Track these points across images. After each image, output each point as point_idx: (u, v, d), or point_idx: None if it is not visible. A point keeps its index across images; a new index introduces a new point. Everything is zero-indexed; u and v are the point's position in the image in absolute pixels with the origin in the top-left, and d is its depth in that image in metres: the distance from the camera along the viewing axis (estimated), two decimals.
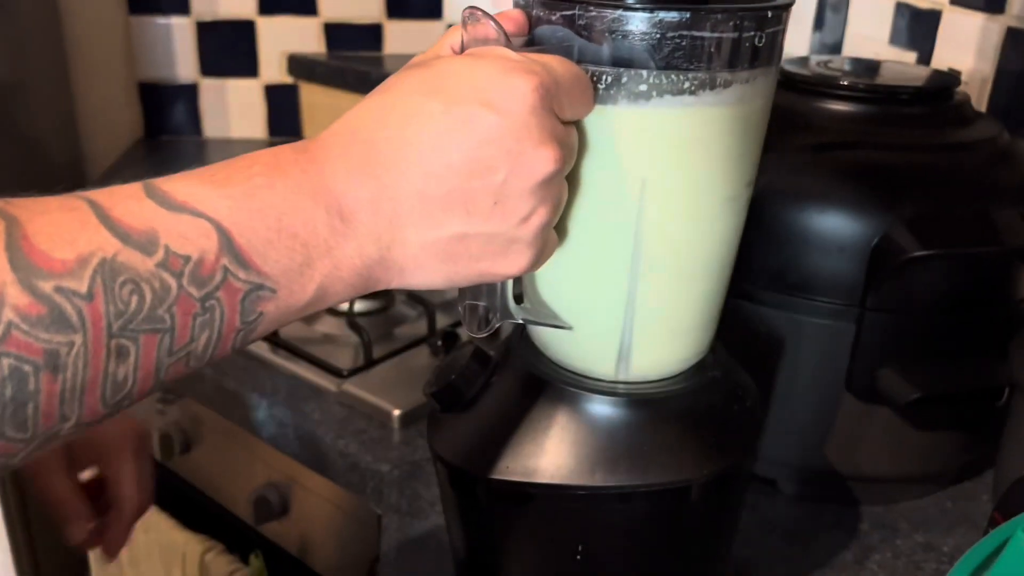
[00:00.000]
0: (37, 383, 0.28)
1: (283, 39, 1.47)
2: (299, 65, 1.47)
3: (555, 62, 0.37)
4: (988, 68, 0.86)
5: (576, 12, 0.38)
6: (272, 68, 1.49)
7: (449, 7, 1.49)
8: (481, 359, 0.49)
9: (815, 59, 0.72)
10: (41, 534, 1.19)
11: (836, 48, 1.14)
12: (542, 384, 0.47)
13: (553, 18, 0.39)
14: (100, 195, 0.31)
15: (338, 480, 0.75)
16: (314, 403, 0.80)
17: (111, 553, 0.68)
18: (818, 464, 0.66)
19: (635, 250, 0.42)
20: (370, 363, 0.84)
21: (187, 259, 0.31)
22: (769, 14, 0.40)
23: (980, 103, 0.86)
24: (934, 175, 0.61)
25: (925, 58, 0.96)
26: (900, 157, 0.61)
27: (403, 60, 0.40)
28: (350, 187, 0.35)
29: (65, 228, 0.30)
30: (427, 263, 0.37)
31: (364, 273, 0.36)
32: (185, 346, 0.32)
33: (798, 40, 1.13)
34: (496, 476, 0.46)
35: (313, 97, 1.49)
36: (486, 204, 0.36)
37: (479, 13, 0.38)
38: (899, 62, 0.87)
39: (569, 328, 0.45)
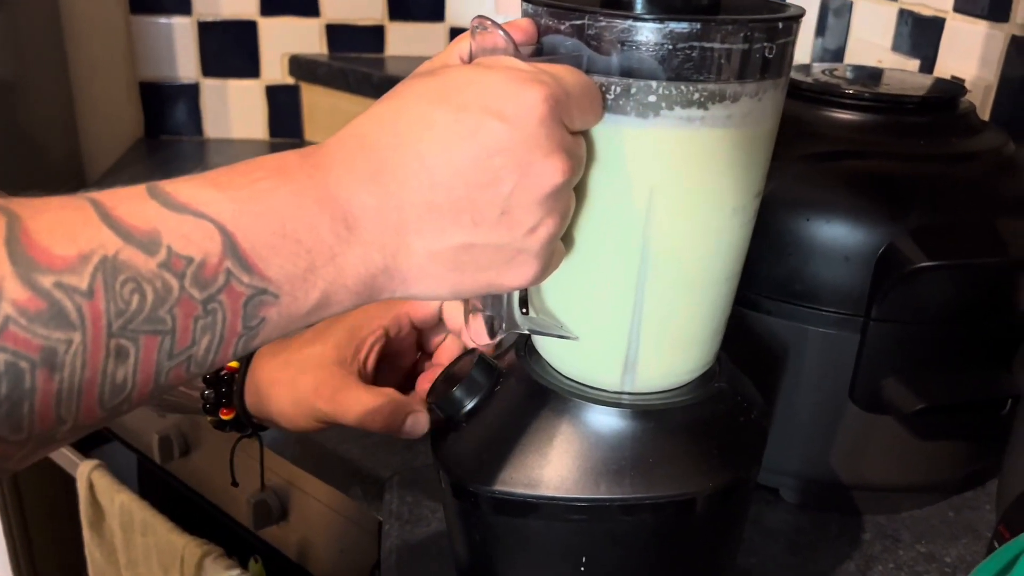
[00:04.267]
0: (33, 381, 0.28)
1: (285, 40, 1.47)
2: (301, 66, 1.47)
3: (565, 72, 0.37)
4: (991, 76, 0.86)
5: (586, 22, 0.38)
6: (273, 69, 1.49)
7: (451, 9, 1.48)
8: (485, 369, 0.49)
9: (818, 67, 0.72)
10: (39, 535, 1.18)
11: (838, 54, 1.14)
12: (547, 394, 0.47)
13: (562, 27, 0.39)
14: (102, 195, 0.31)
15: (339, 486, 0.75)
16: None
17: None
18: (821, 473, 0.65)
19: (642, 260, 0.42)
20: None
21: (190, 260, 0.31)
22: (780, 25, 0.39)
23: (983, 111, 0.85)
24: (940, 185, 0.60)
25: (928, 65, 0.96)
26: (906, 167, 0.61)
27: (405, 62, 0.40)
28: (355, 194, 0.34)
29: (66, 225, 0.29)
30: (433, 273, 0.37)
31: (368, 282, 0.35)
32: (186, 349, 0.31)
33: (800, 45, 1.12)
34: (499, 487, 0.45)
35: (314, 98, 1.49)
36: (493, 214, 0.36)
37: (488, 22, 0.38)
38: (903, 70, 0.87)
39: (575, 338, 0.45)
